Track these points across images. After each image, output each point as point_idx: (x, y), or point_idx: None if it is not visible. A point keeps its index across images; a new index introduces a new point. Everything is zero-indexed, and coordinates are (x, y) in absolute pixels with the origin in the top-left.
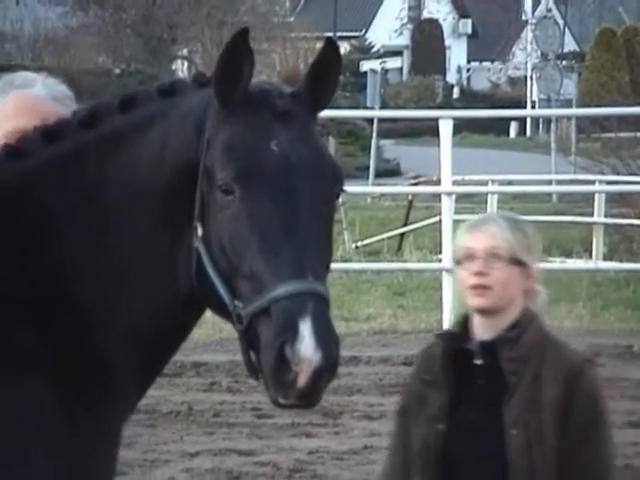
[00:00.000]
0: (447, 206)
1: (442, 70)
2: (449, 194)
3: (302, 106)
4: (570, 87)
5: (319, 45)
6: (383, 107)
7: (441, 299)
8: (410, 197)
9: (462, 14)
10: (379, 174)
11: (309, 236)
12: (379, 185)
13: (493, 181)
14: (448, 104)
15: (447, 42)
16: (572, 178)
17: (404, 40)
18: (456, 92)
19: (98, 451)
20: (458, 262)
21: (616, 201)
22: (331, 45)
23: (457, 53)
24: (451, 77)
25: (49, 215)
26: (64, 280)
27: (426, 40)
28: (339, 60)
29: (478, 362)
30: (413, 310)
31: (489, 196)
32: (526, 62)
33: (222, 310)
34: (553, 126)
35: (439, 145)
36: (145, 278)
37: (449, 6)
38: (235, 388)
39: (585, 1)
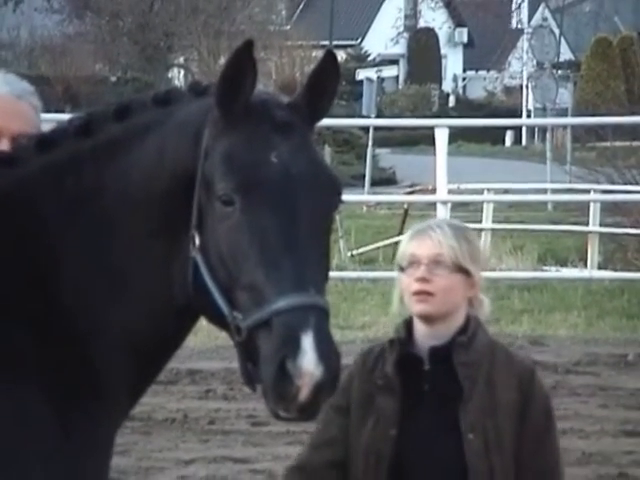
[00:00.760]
0: (443, 215)
1: (438, 79)
2: (444, 203)
3: (300, 117)
4: (566, 96)
5: (315, 53)
6: (379, 116)
7: None
8: (406, 206)
9: (458, 23)
10: (375, 183)
11: (309, 248)
12: (375, 194)
13: (488, 190)
14: (444, 113)
15: (443, 51)
16: (567, 187)
17: (400, 49)
18: (452, 101)
19: (91, 458)
20: (402, 268)
21: (611, 210)
22: (330, 56)
23: (453, 62)
24: (447, 86)
25: (43, 222)
26: (58, 287)
27: (422, 49)
28: (337, 71)
29: (426, 368)
30: None
31: (484, 205)
32: (522, 71)
33: (219, 320)
34: (549, 135)
35: (435, 154)
36: (140, 286)
37: (445, 15)
38: (230, 396)
39: (581, 10)
